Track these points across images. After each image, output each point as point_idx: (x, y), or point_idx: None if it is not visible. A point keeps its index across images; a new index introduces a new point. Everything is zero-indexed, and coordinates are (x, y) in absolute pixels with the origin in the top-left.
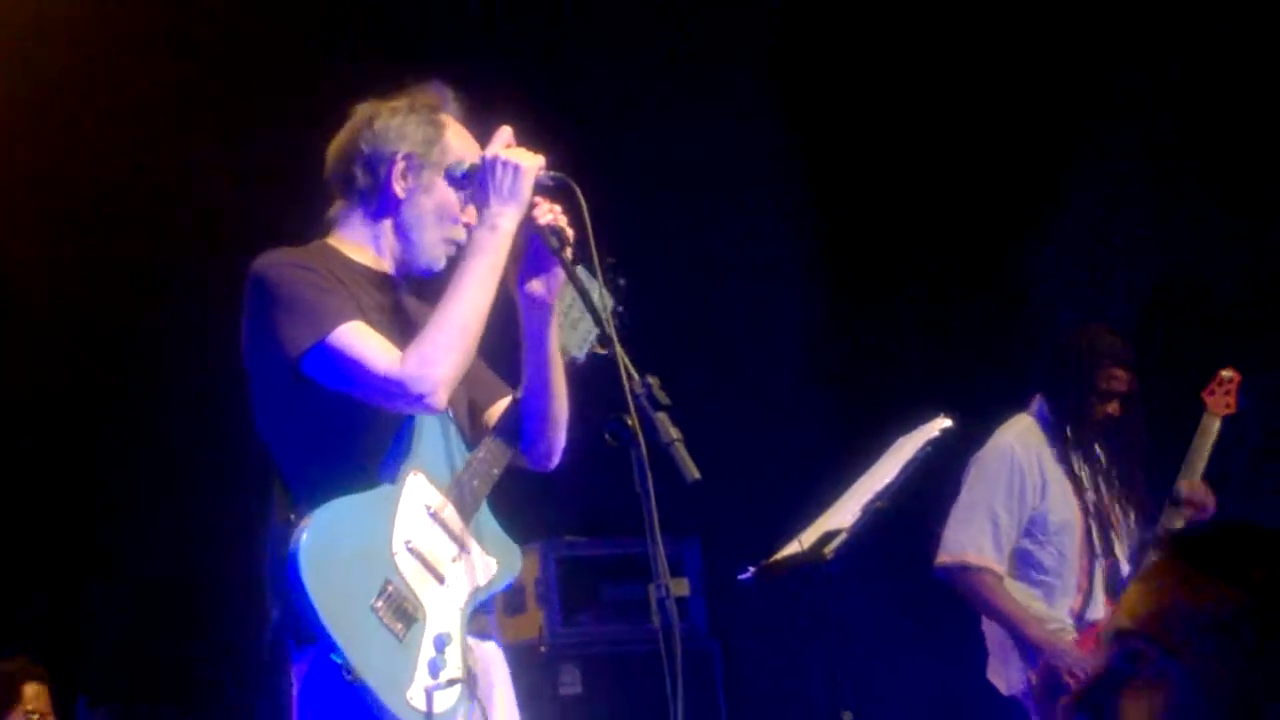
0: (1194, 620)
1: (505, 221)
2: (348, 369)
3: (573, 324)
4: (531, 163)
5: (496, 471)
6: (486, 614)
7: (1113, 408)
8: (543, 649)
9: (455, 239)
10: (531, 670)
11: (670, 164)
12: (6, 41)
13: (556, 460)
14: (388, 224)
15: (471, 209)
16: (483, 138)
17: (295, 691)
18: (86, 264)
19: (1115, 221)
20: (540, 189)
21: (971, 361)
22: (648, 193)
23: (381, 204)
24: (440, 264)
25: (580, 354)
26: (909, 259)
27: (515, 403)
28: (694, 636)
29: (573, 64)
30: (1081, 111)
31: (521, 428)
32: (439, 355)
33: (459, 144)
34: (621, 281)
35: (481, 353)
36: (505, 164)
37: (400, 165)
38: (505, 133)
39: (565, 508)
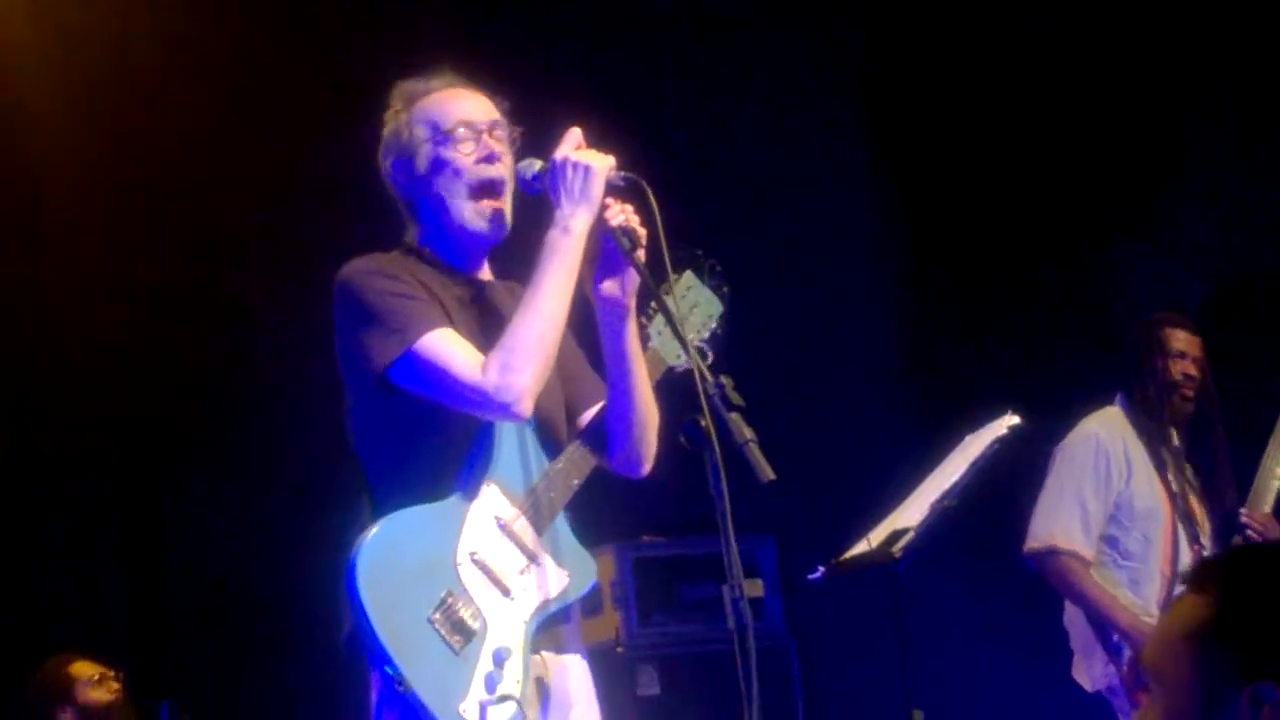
0: (1170, 634)
1: (577, 223)
2: (434, 378)
3: (668, 332)
4: (602, 164)
5: (576, 482)
6: (564, 624)
7: (1187, 398)
8: (620, 650)
9: (481, 177)
10: (609, 672)
11: (751, 165)
12: (77, 69)
13: (646, 467)
14: (432, 217)
15: (485, 139)
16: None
17: (374, 699)
18: (155, 285)
19: (1196, 219)
20: (611, 190)
21: (1050, 359)
22: (727, 193)
23: (417, 207)
24: (484, 225)
25: (679, 363)
26: (985, 257)
27: (603, 408)
28: (770, 635)
29: (660, 72)
30: (1160, 112)
31: (608, 433)
32: (519, 363)
33: (438, 107)
34: (725, 289)
35: (585, 351)
36: (575, 165)
37: (400, 170)
38: (575, 134)
39: (641, 508)
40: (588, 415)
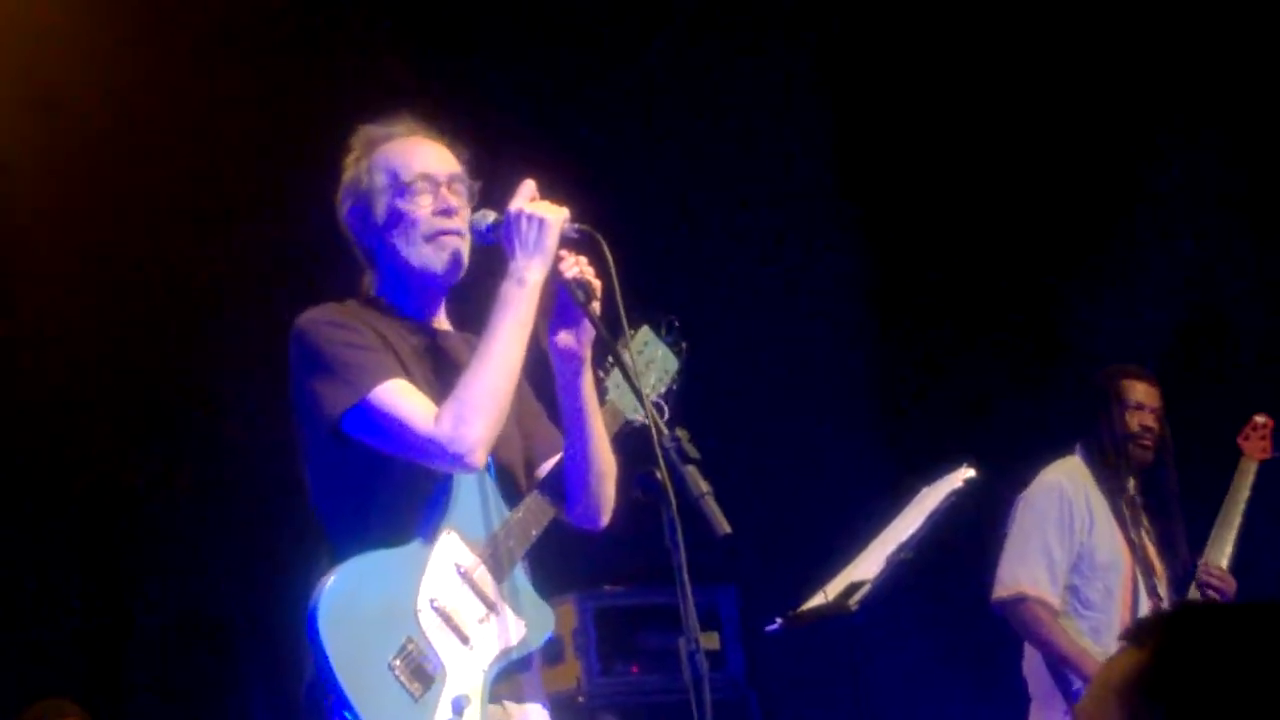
0: (1104, 687)
1: (531, 275)
2: (387, 428)
3: (625, 385)
4: (556, 215)
5: (535, 532)
6: (524, 673)
7: (1145, 449)
8: (581, 699)
9: (438, 229)
10: None
11: (712, 212)
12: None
13: (604, 519)
14: (389, 266)
15: (441, 194)
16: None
17: None
18: (136, 321)
19: (1151, 267)
20: (566, 242)
21: (1012, 409)
22: (686, 242)
23: (375, 254)
24: (441, 263)
25: (636, 416)
26: (947, 309)
27: (561, 459)
28: (731, 686)
29: (616, 113)
30: (1117, 157)
31: (566, 484)
32: (471, 414)
33: (390, 158)
34: (682, 345)
35: (544, 405)
36: (530, 217)
37: (358, 216)
38: (529, 186)
39: (602, 558)
40: (546, 466)
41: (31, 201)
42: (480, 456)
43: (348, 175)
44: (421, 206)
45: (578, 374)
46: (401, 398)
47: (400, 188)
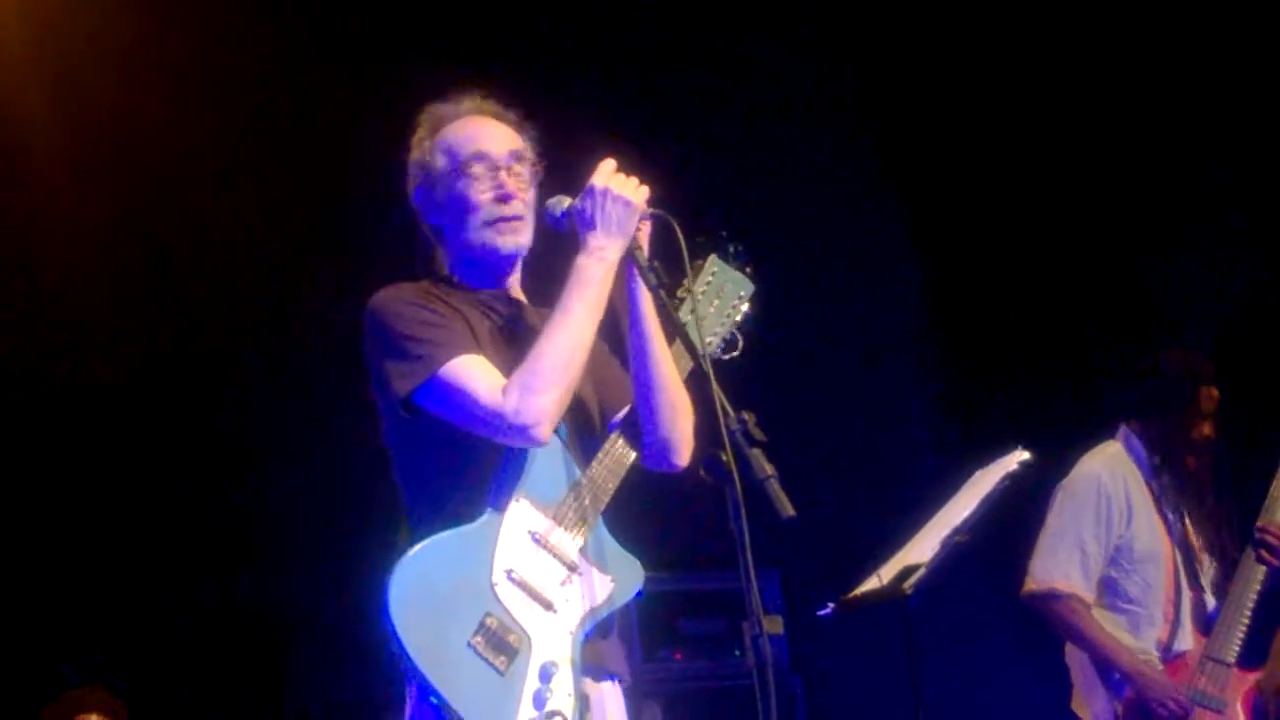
0: None
1: (611, 253)
2: (456, 402)
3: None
4: (639, 197)
5: (612, 485)
6: (605, 639)
7: (1210, 428)
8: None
9: (496, 215)
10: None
11: (775, 203)
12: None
13: (681, 459)
14: (455, 245)
15: (502, 175)
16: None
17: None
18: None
19: (1199, 257)
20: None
21: (1059, 395)
22: (745, 224)
23: (444, 233)
24: (503, 245)
25: (711, 349)
26: (998, 293)
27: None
28: (776, 671)
29: (680, 108)
30: (1175, 151)
31: (639, 423)
32: (540, 386)
33: (453, 139)
34: (749, 269)
35: (615, 353)
36: (616, 197)
37: (424, 196)
38: (610, 164)
39: (643, 544)
40: (621, 415)
41: (50, 180)
42: (545, 431)
43: (414, 155)
44: (480, 191)
45: (645, 320)
46: (471, 371)
47: (458, 170)
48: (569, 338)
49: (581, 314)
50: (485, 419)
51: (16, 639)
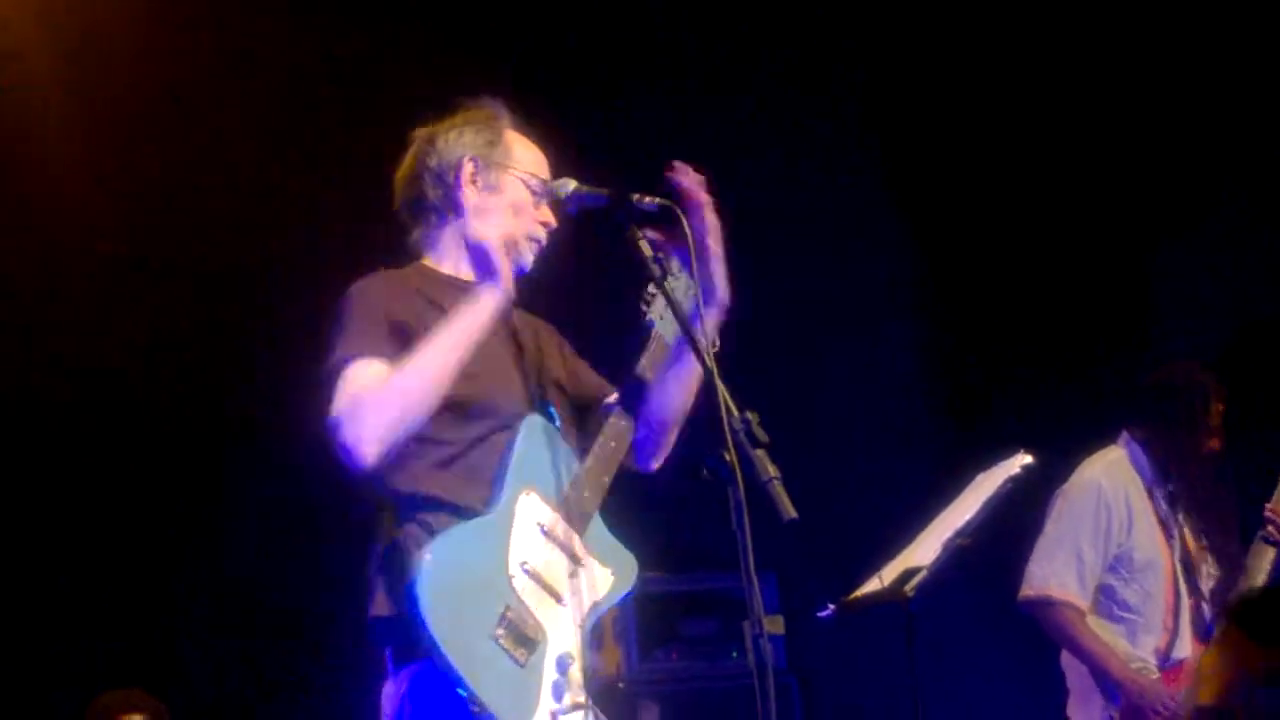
0: (1248, 685)
1: (505, 299)
2: (327, 400)
3: (666, 317)
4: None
5: (607, 479)
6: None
7: (1216, 442)
8: (620, 685)
9: (535, 236)
10: (609, 707)
11: (771, 201)
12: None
13: (660, 461)
14: (453, 235)
15: (545, 207)
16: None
17: (391, 709)
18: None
19: (1207, 263)
20: (644, 216)
21: (1061, 398)
22: (742, 228)
23: (459, 213)
24: (526, 260)
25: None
26: (997, 296)
27: (616, 399)
28: (773, 672)
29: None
30: (1175, 150)
31: (639, 422)
32: (369, 410)
33: (520, 147)
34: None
35: (580, 350)
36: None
37: (468, 169)
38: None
39: (641, 544)
40: (607, 401)
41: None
42: (365, 452)
43: (454, 133)
44: (540, 212)
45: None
46: (353, 377)
47: (532, 183)
48: (427, 369)
49: (453, 346)
50: (327, 424)
51: (18, 638)
